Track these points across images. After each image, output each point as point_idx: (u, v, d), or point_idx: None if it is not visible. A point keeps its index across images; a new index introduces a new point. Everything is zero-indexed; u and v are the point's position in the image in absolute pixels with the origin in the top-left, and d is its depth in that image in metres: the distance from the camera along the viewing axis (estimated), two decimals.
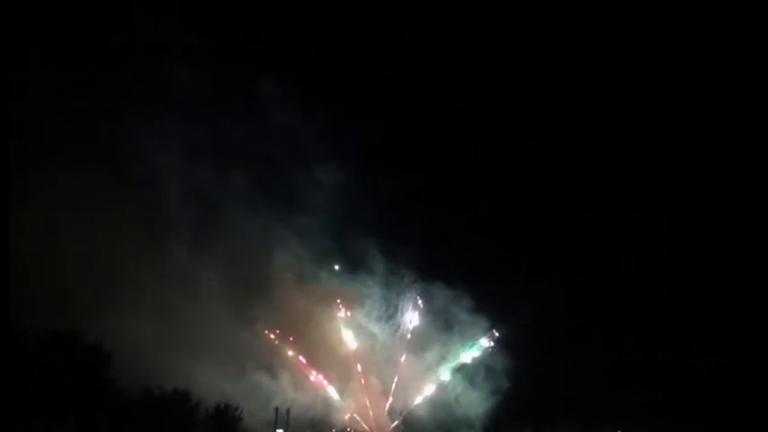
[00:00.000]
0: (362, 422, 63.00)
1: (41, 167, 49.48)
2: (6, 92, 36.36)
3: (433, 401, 63.25)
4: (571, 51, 67.31)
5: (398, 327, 64.65)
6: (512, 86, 67.58)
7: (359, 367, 63.06)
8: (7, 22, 38.33)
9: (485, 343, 63.44)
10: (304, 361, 62.07)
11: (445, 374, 63.73)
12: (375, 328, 64.36)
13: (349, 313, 63.39)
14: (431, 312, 64.39)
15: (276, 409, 57.12)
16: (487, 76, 67.91)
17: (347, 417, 62.74)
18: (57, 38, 54.01)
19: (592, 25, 66.33)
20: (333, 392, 62.70)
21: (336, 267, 63.47)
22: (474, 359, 63.56)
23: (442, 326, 64.26)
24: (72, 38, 55.22)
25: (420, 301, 64.56)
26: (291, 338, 62.00)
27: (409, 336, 64.31)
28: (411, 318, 64.49)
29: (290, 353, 61.96)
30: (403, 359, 63.95)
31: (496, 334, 63.46)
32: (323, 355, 62.52)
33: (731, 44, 61.64)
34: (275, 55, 65.77)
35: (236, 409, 54.11)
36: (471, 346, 63.70)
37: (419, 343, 64.43)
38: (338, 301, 63.02)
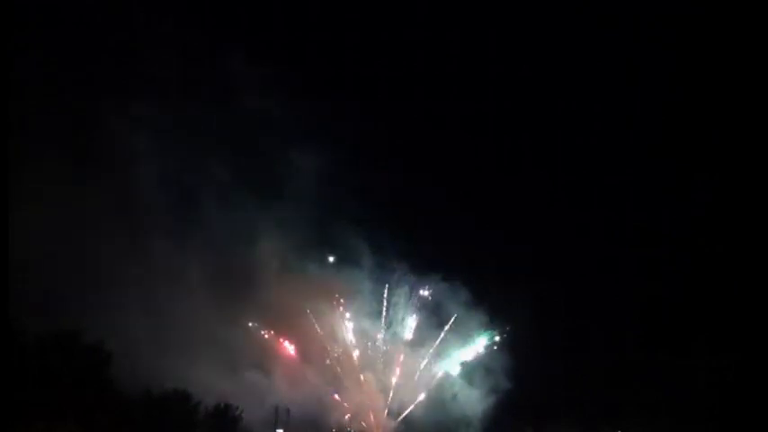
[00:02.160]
0: (362, 422, 62.89)
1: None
2: (6, 92, 36.34)
3: (431, 400, 63.02)
4: (571, 51, 67.30)
5: (391, 323, 63.79)
6: (512, 85, 67.58)
7: (354, 363, 62.71)
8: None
9: (484, 343, 63.35)
10: (295, 355, 61.63)
11: (442, 372, 63.44)
12: (366, 324, 63.44)
13: (342, 309, 62.75)
14: (425, 308, 63.72)
15: (276, 408, 57.05)
16: (487, 74, 67.87)
17: (347, 417, 62.63)
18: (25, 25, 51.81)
19: (592, 25, 66.28)
20: (329, 390, 62.35)
21: (331, 259, 62.51)
22: (473, 358, 63.41)
23: (437, 322, 63.54)
24: (42, 25, 54.07)
25: (413, 297, 63.66)
26: (284, 335, 61.49)
27: (403, 331, 63.63)
28: (403, 313, 63.66)
29: (285, 349, 61.58)
30: (397, 356, 63.36)
31: (497, 339, 63.29)
32: (316, 350, 62.05)
33: (731, 44, 61.60)
34: (264, 43, 64.84)
35: (237, 408, 54.08)
36: (469, 344, 63.47)
37: (414, 339, 63.72)
38: (329, 295, 62.12)
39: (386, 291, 63.53)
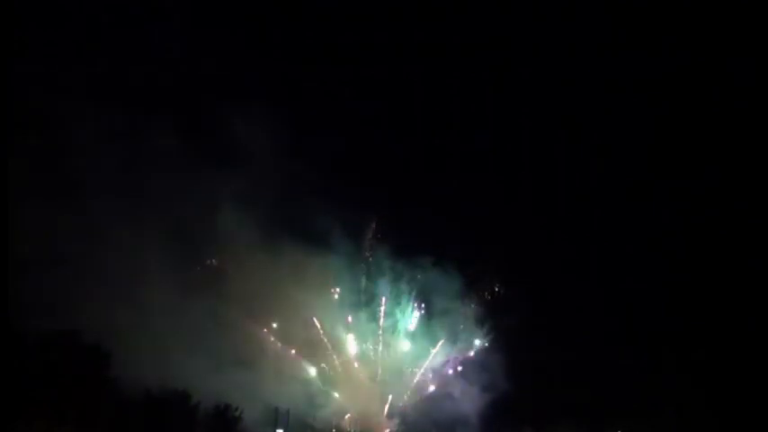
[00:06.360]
0: (361, 421, 62.67)
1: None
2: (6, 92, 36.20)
3: (428, 399, 62.86)
4: (571, 50, 67.37)
5: (375, 315, 61.77)
6: (511, 82, 67.58)
7: (347, 360, 61.80)
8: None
9: (481, 339, 63.01)
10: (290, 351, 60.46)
11: (438, 370, 63.03)
12: (349, 314, 61.63)
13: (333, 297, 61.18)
14: (413, 298, 62.22)
15: (276, 409, 56.90)
16: (485, 71, 67.28)
17: (347, 416, 62.47)
18: None
19: (592, 25, 66.35)
20: (321, 385, 61.46)
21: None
22: (470, 355, 63.15)
23: (428, 314, 62.54)
24: None
25: (400, 285, 61.77)
26: (274, 330, 59.84)
27: (393, 326, 62.23)
28: (389, 306, 61.90)
29: (279, 346, 60.20)
30: (384, 352, 62.41)
31: (494, 336, 62.59)
32: (307, 346, 60.76)
33: (731, 44, 61.74)
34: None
35: (236, 408, 54.01)
36: (465, 340, 62.89)
37: (404, 335, 62.60)
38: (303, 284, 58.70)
39: (363, 279, 61.77)
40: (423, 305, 62.86)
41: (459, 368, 63.69)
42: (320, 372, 61.52)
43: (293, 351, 60.96)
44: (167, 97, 56.60)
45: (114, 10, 55.70)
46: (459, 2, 67.22)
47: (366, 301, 62.24)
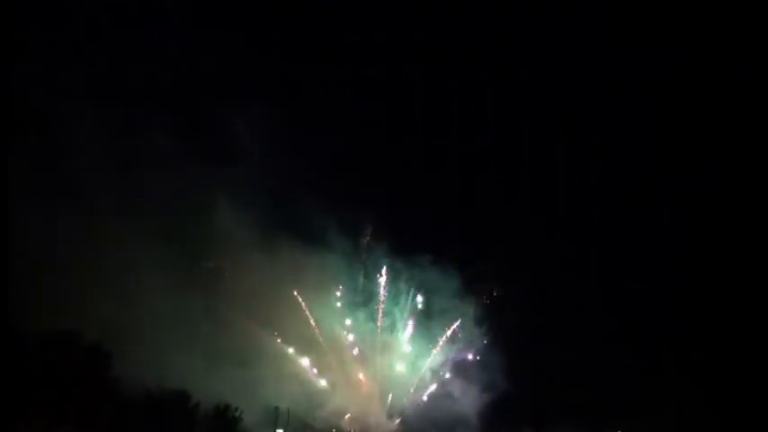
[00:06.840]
0: (361, 421, 62.61)
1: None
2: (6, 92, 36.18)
3: (429, 399, 62.66)
4: (571, 50, 67.30)
5: (372, 314, 61.85)
6: (511, 82, 67.48)
7: (346, 359, 61.68)
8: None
9: (480, 339, 62.91)
10: (290, 350, 60.33)
11: (436, 370, 62.81)
12: (348, 314, 61.72)
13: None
14: (412, 298, 62.16)
15: (276, 408, 56.88)
16: (485, 71, 67.27)
17: (347, 416, 62.45)
18: None
19: (592, 25, 66.26)
20: (324, 384, 61.35)
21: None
22: (469, 355, 63.03)
23: (427, 313, 62.53)
24: None
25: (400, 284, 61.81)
26: (273, 329, 59.68)
27: (392, 325, 62.22)
28: (388, 306, 61.94)
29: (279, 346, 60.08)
30: (387, 349, 62.32)
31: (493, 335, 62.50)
32: (304, 344, 60.62)
33: (731, 44, 61.67)
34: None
35: (236, 409, 54.00)
36: (464, 340, 62.79)
37: (401, 333, 62.46)
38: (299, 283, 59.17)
39: (361, 279, 61.84)
40: (422, 305, 63.02)
41: (459, 367, 63.50)
42: (318, 369, 61.25)
43: (292, 351, 60.82)
44: (167, 97, 57.42)
45: (114, 10, 56.17)
46: (459, 2, 67.30)
47: (364, 301, 62.59)
